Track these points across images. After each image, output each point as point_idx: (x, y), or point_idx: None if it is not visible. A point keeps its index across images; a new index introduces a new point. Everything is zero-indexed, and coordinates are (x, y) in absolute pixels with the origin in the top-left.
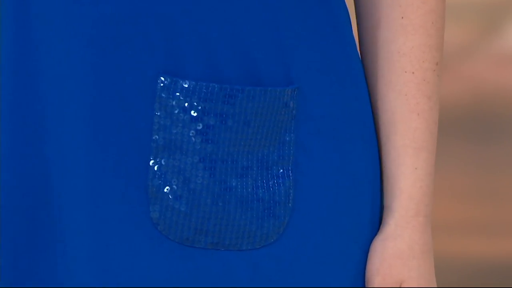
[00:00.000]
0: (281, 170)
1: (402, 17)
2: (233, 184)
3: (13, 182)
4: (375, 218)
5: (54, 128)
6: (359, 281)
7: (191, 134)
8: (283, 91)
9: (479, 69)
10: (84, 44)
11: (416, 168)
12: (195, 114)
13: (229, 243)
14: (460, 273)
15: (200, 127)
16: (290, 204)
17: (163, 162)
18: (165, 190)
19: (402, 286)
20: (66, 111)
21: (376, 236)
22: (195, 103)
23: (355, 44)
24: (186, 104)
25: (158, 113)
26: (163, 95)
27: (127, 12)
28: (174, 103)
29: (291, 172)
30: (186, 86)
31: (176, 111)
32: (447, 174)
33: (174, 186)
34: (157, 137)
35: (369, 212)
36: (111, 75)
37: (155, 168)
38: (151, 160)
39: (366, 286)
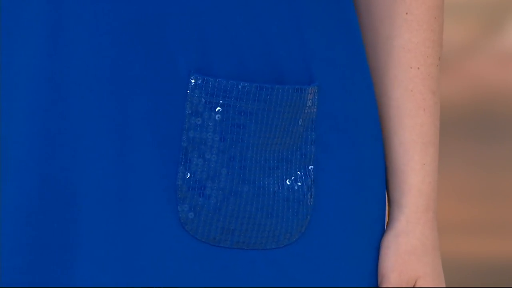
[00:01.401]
0: (303, 169)
1: (407, 13)
2: (261, 183)
3: (35, 182)
4: (384, 215)
5: (80, 128)
6: (375, 278)
7: (221, 133)
8: (307, 89)
9: (481, 68)
10: (115, 43)
11: (424, 164)
12: (225, 113)
13: (254, 242)
14: (463, 273)
15: (230, 126)
16: (311, 203)
17: (193, 161)
18: (195, 189)
19: (418, 283)
20: (95, 110)
21: (387, 233)
22: (226, 102)
23: (362, 42)
24: (216, 103)
25: (189, 112)
26: (194, 94)
27: (158, 10)
28: (205, 102)
29: (312, 171)
30: (217, 85)
31: (207, 110)
32: (448, 174)
33: (204, 185)
34: (187, 136)
35: (381, 208)
36: (142, 74)
37: (185, 167)
38: (181, 159)
39: (381, 284)
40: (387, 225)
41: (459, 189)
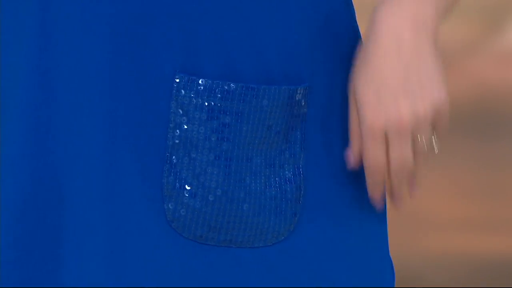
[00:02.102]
0: (292, 169)
1: None
2: (247, 182)
3: (24, 181)
4: (384, 216)
5: (69, 126)
6: (368, 275)
7: (207, 132)
8: (295, 90)
9: (482, 67)
10: (102, 42)
11: None
12: (211, 112)
13: (241, 240)
14: (462, 270)
15: (215, 125)
16: (300, 202)
17: (178, 160)
18: (180, 187)
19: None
20: (82, 108)
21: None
22: (211, 102)
23: (360, 40)
24: (202, 103)
25: (175, 111)
26: (179, 93)
27: (145, 10)
28: (190, 101)
29: (301, 170)
30: (203, 84)
31: (192, 109)
32: (450, 171)
33: (189, 184)
34: (173, 135)
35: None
36: (128, 73)
37: (171, 165)
38: (166, 157)
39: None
40: None
41: (459, 187)
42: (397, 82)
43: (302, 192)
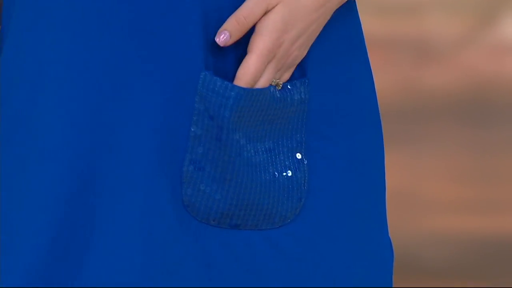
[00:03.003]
0: (298, 156)
1: None
2: (259, 172)
3: (65, 176)
4: (383, 199)
5: (103, 118)
6: (369, 254)
7: (225, 125)
8: (296, 84)
9: (475, 59)
10: (131, 39)
11: None
12: (229, 106)
13: (251, 223)
14: (456, 249)
15: (234, 118)
16: (305, 187)
17: (199, 151)
18: (198, 176)
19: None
20: (114, 101)
21: None
22: (231, 98)
23: (362, 34)
24: (222, 98)
25: (198, 105)
26: (203, 89)
27: (171, 7)
28: (212, 96)
29: (305, 158)
30: (223, 82)
31: (213, 104)
32: (443, 156)
33: (207, 173)
34: (196, 127)
35: (379, 192)
36: (158, 68)
37: (191, 155)
38: (188, 148)
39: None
40: None
41: (453, 171)
42: (295, 33)
43: (307, 178)
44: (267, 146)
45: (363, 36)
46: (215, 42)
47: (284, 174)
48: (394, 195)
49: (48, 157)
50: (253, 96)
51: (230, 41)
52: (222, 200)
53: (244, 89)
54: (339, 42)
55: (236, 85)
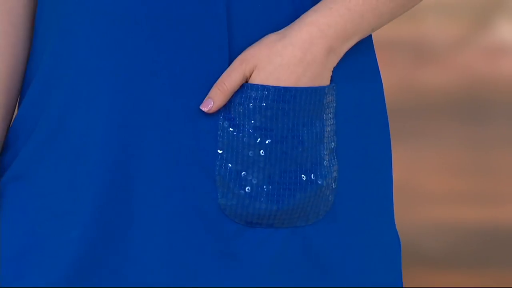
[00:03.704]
0: (330, 158)
1: None
2: (292, 173)
3: (107, 180)
4: (391, 193)
5: (140, 120)
6: (383, 247)
7: (253, 129)
8: (325, 89)
9: (470, 60)
10: (164, 50)
11: (331, 8)
12: (256, 112)
13: (287, 222)
14: (453, 238)
15: (260, 123)
16: (335, 186)
17: (228, 155)
18: (230, 180)
19: (253, 73)
20: (150, 106)
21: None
22: (257, 103)
23: (373, 46)
24: (248, 103)
25: (224, 112)
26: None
27: (198, 13)
28: (238, 101)
29: (336, 159)
30: (249, 87)
31: (241, 109)
32: (442, 151)
33: (240, 175)
34: (223, 133)
35: (387, 186)
36: (187, 74)
37: (222, 160)
38: (218, 153)
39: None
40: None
41: (450, 164)
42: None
43: (337, 177)
44: (299, 147)
45: (374, 49)
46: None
47: (317, 174)
48: (395, 188)
49: (89, 156)
50: (280, 97)
51: (214, 108)
52: (258, 201)
53: (269, 89)
54: (359, 59)
55: (262, 86)
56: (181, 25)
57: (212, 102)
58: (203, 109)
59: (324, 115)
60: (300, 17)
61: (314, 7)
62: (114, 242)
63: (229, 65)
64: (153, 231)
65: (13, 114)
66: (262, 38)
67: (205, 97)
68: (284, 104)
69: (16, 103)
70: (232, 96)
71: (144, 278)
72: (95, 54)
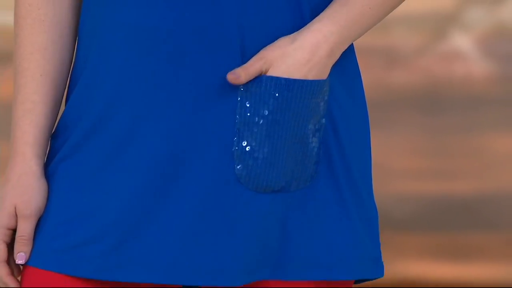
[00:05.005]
0: (319, 136)
1: None
2: (292, 150)
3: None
4: (370, 169)
5: (179, 110)
6: (366, 216)
7: (264, 113)
8: (324, 82)
9: (430, 63)
10: (179, 47)
11: (333, 18)
12: (268, 99)
13: (287, 187)
14: (418, 206)
15: (270, 108)
16: (319, 158)
17: (244, 133)
18: (246, 153)
19: (269, 70)
20: (183, 98)
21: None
22: (268, 91)
23: (355, 51)
24: (261, 92)
25: (241, 98)
26: (246, 85)
27: (215, 23)
28: (253, 91)
29: (322, 137)
30: (263, 79)
31: (254, 97)
32: (407, 137)
33: (252, 151)
34: (240, 115)
35: (368, 163)
36: (209, 71)
37: (239, 137)
38: (236, 131)
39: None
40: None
41: (414, 147)
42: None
43: (321, 150)
44: (298, 128)
45: (355, 59)
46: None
47: (309, 148)
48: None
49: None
50: (289, 87)
51: (238, 81)
52: (267, 171)
53: (278, 80)
54: (345, 58)
55: (275, 77)
56: (199, 35)
57: (238, 75)
58: (229, 77)
59: (321, 101)
60: (307, 25)
61: (318, 17)
62: (151, 208)
63: (241, 63)
64: (185, 198)
65: (59, 109)
66: (276, 41)
67: (222, 87)
68: (292, 93)
69: (62, 100)
70: (251, 86)
71: (176, 232)
72: (129, 61)
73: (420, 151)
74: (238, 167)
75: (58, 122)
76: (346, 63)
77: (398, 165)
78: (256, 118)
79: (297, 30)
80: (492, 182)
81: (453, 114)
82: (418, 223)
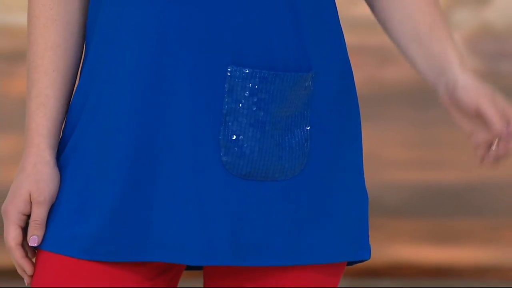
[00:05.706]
0: (303, 128)
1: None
2: (276, 137)
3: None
4: (361, 159)
5: (166, 97)
6: (357, 201)
7: (250, 104)
8: (306, 75)
9: None
10: (183, 46)
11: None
12: (251, 91)
13: (271, 176)
14: (408, 193)
15: (255, 99)
16: (307, 149)
17: (230, 123)
18: (231, 141)
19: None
20: (179, 85)
21: (461, 80)
22: (252, 84)
23: (344, 40)
24: (246, 84)
25: (228, 90)
26: (231, 78)
27: (212, 22)
28: (238, 83)
29: (308, 129)
30: (246, 72)
31: (239, 89)
32: (398, 129)
33: (237, 139)
34: (227, 106)
35: (359, 153)
36: (200, 65)
37: (225, 126)
38: (222, 121)
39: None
40: (448, 83)
41: (404, 139)
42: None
43: (308, 143)
44: (283, 119)
45: (345, 43)
46: None
47: (294, 140)
48: (363, 156)
49: (118, 135)
50: (272, 80)
51: None
52: (251, 159)
53: (263, 73)
54: (336, 46)
55: (259, 70)
56: (196, 32)
57: None
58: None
59: (306, 91)
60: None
61: (463, 66)
62: (144, 192)
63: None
64: (173, 184)
65: (69, 103)
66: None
67: (211, 77)
68: (275, 85)
69: (72, 95)
70: (237, 76)
71: (168, 217)
72: (128, 55)
73: (410, 142)
74: (223, 154)
75: (67, 112)
76: (335, 55)
77: (390, 156)
78: (242, 107)
79: (292, 29)
80: (478, 171)
81: (441, 108)
82: (409, 210)
